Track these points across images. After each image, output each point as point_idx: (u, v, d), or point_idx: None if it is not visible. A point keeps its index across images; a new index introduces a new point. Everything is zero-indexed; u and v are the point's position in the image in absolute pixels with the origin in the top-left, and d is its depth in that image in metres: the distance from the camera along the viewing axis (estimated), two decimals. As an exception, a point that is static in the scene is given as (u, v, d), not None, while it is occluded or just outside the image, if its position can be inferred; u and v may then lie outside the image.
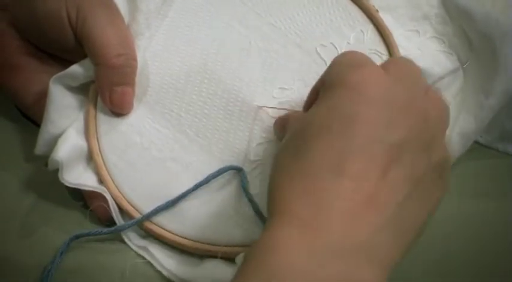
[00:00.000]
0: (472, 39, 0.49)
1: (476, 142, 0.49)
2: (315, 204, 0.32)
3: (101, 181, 0.45)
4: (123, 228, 0.43)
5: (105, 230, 0.43)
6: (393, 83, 0.35)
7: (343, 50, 0.50)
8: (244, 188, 0.43)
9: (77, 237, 0.43)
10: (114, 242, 0.44)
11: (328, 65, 0.38)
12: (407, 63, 0.38)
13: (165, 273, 0.42)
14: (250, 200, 0.43)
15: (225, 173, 0.44)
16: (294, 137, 0.36)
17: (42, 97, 0.45)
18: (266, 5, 0.51)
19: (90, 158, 0.45)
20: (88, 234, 0.43)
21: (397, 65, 0.37)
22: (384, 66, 0.37)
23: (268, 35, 0.50)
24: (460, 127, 0.47)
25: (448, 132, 0.43)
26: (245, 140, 0.46)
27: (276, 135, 0.46)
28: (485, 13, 0.48)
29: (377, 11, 0.52)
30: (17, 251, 0.44)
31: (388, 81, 0.35)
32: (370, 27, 0.51)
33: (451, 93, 0.49)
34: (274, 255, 0.31)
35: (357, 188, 0.32)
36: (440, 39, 0.51)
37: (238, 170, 0.44)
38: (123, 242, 0.44)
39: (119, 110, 0.46)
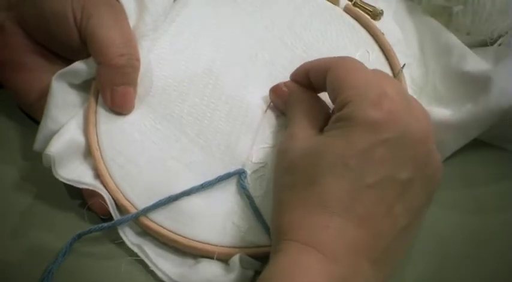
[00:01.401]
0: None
1: (476, 139, 0.48)
2: (328, 239, 0.34)
3: (97, 176, 0.44)
4: (124, 221, 0.42)
5: (106, 224, 0.42)
6: (408, 121, 0.36)
7: None
8: (244, 189, 0.43)
9: (80, 236, 0.42)
10: (108, 243, 0.43)
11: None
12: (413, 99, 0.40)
13: (158, 273, 0.41)
14: (250, 199, 0.42)
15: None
16: (307, 162, 0.37)
17: (45, 95, 0.45)
18: (274, 21, 0.52)
19: (87, 153, 0.45)
20: (90, 231, 0.42)
21: (410, 101, 0.39)
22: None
23: (275, 49, 0.51)
24: None
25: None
26: (248, 143, 0.45)
27: (272, 102, 0.47)
28: None
29: (383, 33, 0.53)
30: (13, 252, 0.43)
31: (405, 118, 0.36)
32: (375, 48, 0.52)
33: None
34: (297, 277, 0.33)
35: (361, 227, 0.34)
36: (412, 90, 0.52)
37: (241, 172, 0.43)
38: (117, 242, 0.43)
39: (119, 109, 0.45)
